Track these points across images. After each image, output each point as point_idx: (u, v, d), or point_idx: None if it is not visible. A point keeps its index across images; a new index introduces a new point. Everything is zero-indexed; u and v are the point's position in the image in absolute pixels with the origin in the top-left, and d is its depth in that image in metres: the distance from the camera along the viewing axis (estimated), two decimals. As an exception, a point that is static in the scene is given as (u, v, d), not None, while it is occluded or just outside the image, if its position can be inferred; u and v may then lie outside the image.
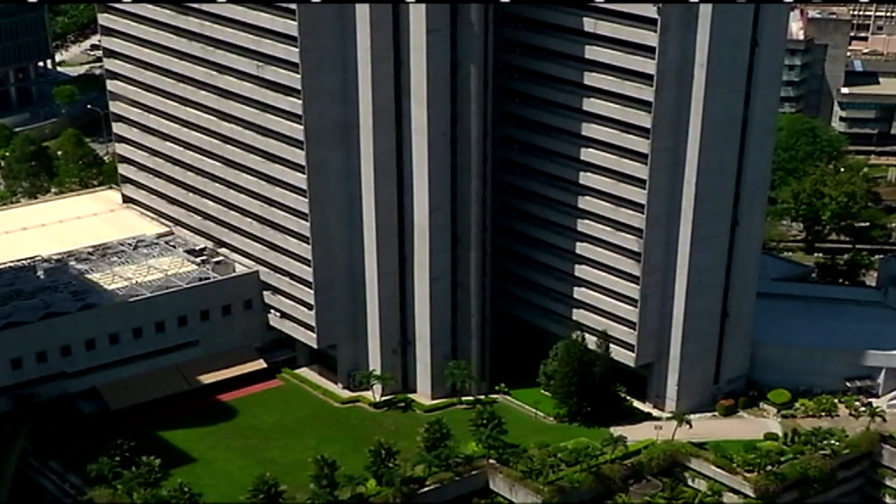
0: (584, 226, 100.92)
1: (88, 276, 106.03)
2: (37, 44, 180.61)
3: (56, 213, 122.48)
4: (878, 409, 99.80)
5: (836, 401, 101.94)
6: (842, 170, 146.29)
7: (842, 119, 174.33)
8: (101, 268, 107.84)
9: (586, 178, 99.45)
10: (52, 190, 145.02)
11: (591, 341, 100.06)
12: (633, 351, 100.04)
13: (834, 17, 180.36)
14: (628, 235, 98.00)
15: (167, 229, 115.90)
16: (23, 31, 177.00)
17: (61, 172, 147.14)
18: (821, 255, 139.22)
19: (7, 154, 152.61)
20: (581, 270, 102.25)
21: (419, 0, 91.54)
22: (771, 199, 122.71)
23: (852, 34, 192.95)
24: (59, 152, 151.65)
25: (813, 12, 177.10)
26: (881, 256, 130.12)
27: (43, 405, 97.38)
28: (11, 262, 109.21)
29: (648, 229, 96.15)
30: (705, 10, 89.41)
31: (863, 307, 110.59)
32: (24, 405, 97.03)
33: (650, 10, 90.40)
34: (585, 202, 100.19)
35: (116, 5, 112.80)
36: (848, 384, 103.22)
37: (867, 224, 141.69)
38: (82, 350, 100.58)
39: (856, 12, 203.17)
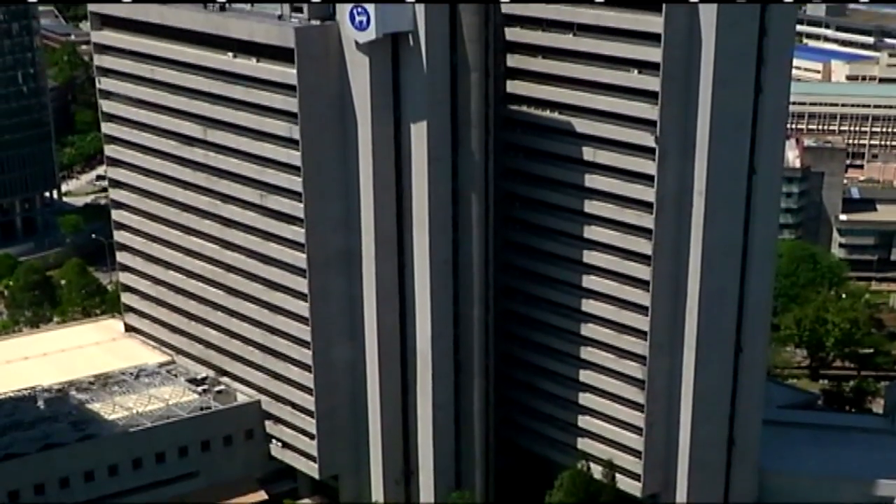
0: (586, 353, 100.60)
1: (89, 406, 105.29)
2: (43, 175, 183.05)
3: (58, 343, 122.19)
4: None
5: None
6: (843, 296, 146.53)
7: (841, 245, 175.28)
8: (102, 397, 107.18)
9: (588, 306, 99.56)
10: (55, 319, 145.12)
11: (597, 471, 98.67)
12: (639, 480, 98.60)
13: (829, 145, 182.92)
14: (631, 363, 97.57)
15: (169, 358, 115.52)
16: (30, 162, 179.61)
17: (64, 302, 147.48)
18: (826, 381, 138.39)
19: (10, 283, 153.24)
20: (585, 398, 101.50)
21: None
22: (774, 325, 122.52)
23: (848, 162, 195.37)
24: (63, 281, 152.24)
25: (808, 141, 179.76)
26: (887, 383, 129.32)
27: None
28: (12, 391, 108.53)
29: (651, 356, 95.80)
30: (702, 140, 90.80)
31: (871, 435, 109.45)
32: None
33: (648, 140, 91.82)
34: (588, 329, 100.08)
35: (123, 139, 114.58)
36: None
37: (871, 350, 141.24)
38: (81, 482, 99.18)
39: (851, 141, 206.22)
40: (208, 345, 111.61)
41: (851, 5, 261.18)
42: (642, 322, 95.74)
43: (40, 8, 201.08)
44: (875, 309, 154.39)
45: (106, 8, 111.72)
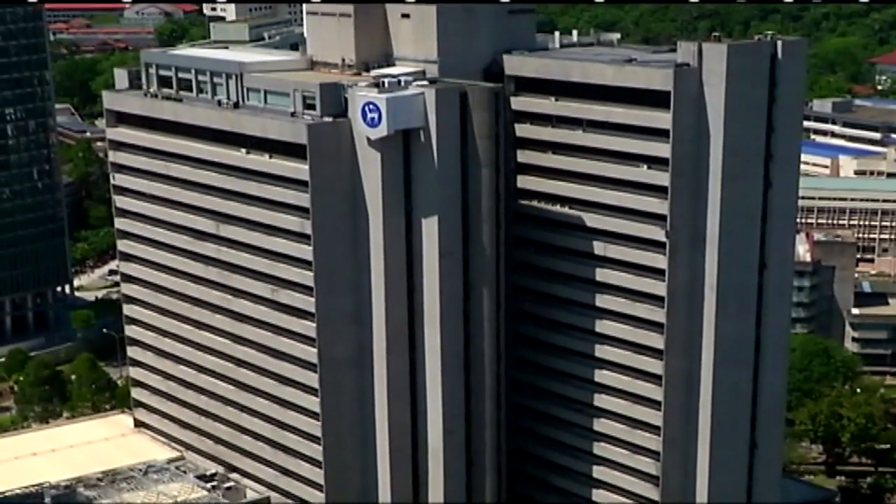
0: (599, 448, 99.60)
1: None
2: (56, 270, 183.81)
3: (67, 438, 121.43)
4: None
5: None
6: (858, 391, 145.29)
7: (854, 340, 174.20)
8: (110, 494, 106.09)
9: (600, 400, 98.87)
10: (65, 414, 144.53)
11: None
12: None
13: (839, 239, 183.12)
14: (645, 458, 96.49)
15: (178, 454, 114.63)
16: (43, 256, 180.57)
17: (74, 397, 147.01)
18: (843, 478, 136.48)
19: (21, 378, 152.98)
20: (598, 494, 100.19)
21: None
22: (788, 420, 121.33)
23: (859, 256, 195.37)
24: (73, 376, 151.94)
25: (818, 235, 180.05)
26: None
27: None
28: (19, 488, 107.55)
29: (665, 452, 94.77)
30: (713, 234, 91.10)
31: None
32: None
33: (658, 234, 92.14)
34: (600, 424, 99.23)
35: (136, 234, 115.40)
36: None
37: (888, 446, 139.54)
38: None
39: (860, 235, 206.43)
40: (218, 440, 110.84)
41: (857, 101, 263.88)
42: (655, 417, 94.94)
43: (57, 106, 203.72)
44: (891, 404, 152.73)
45: (122, 106, 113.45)
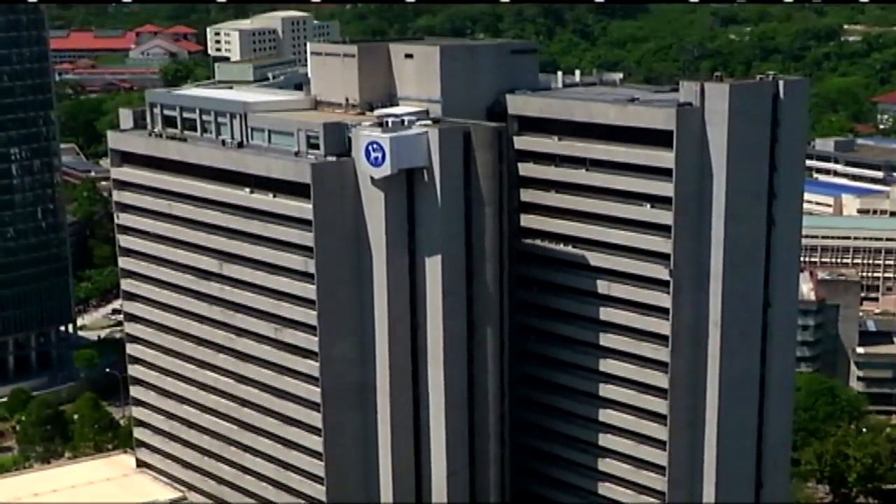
0: (604, 488, 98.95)
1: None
2: (59, 309, 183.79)
3: (68, 479, 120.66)
4: None
5: None
6: (864, 430, 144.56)
7: (859, 379, 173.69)
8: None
9: (605, 440, 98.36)
10: (67, 454, 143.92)
11: None
12: None
13: (843, 278, 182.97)
14: (650, 498, 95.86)
15: (181, 494, 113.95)
16: (47, 296, 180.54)
17: (76, 437, 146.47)
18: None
19: (23, 418, 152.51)
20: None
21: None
22: (794, 460, 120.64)
23: (863, 295, 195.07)
24: (75, 416, 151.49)
25: (822, 274, 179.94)
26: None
27: None
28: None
29: (670, 492, 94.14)
30: (716, 272, 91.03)
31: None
32: None
33: (662, 273, 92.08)
34: (605, 464, 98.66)
35: (139, 273, 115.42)
36: None
37: (895, 486, 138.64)
38: None
39: (864, 274, 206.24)
40: (221, 481, 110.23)
41: (860, 140, 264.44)
42: (660, 457, 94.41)
43: (62, 145, 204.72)
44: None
45: (126, 145, 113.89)
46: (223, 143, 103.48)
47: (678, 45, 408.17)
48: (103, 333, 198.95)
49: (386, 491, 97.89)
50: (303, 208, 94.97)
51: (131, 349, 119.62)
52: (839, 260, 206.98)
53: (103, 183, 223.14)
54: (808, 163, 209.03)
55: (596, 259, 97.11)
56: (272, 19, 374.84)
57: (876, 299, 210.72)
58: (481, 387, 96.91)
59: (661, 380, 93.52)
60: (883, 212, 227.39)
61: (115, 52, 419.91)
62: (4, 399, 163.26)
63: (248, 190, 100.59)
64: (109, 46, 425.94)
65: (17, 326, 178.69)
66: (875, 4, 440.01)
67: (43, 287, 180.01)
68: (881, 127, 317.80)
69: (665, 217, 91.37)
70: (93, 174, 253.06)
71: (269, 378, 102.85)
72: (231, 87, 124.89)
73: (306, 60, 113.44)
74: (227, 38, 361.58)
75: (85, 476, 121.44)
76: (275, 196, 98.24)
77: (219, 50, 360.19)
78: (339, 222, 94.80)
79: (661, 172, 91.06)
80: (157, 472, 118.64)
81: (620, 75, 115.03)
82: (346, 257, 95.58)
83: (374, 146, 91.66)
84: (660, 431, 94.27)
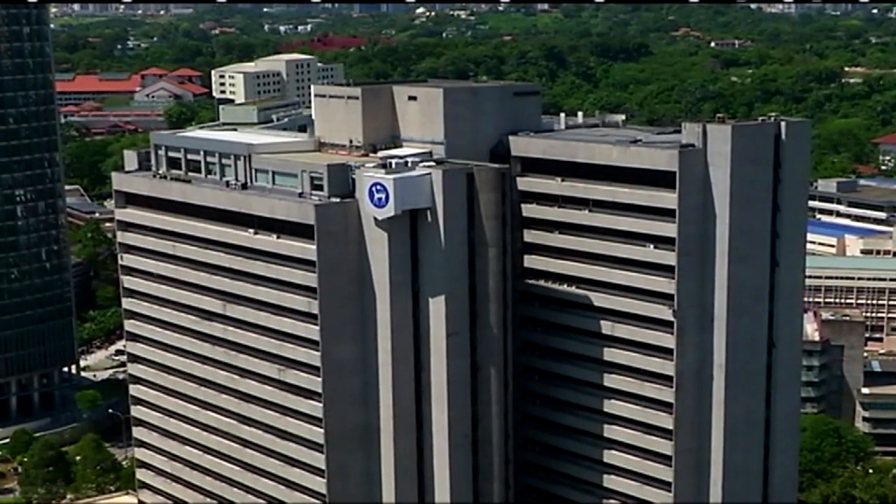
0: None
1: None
2: (63, 350, 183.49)
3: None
4: None
5: None
6: (870, 471, 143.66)
7: (865, 419, 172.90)
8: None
9: (610, 481, 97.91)
10: (69, 496, 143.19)
11: None
12: None
13: (847, 318, 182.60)
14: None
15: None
16: (50, 337, 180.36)
17: (78, 478, 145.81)
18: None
19: (25, 460, 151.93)
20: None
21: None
22: (801, 502, 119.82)
23: (867, 335, 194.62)
24: (78, 457, 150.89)
25: (826, 314, 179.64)
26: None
27: None
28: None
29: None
30: (720, 313, 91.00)
31: None
32: None
33: (666, 314, 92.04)
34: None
35: (143, 314, 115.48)
36: None
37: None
38: None
39: (868, 314, 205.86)
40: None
41: (862, 181, 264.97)
42: (665, 498, 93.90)
43: (67, 187, 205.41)
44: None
45: (131, 187, 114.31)
46: (227, 184, 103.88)
47: (680, 87, 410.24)
48: (106, 374, 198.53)
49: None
50: (306, 249, 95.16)
51: (134, 390, 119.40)
52: (843, 300, 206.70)
53: (107, 224, 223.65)
54: (811, 203, 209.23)
55: (599, 300, 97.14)
56: (276, 62, 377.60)
57: (880, 339, 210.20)
58: (485, 428, 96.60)
59: (665, 420, 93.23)
60: (886, 252, 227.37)
61: (120, 94, 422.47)
62: (7, 440, 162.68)
63: (251, 231, 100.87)
64: (115, 89, 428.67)
65: (21, 367, 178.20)
66: (875, 47, 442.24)
67: (46, 328, 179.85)
68: (883, 168, 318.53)
69: (668, 258, 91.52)
70: (97, 215, 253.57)
71: (272, 419, 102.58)
72: (235, 129, 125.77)
73: (310, 102, 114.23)
74: (231, 80, 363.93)
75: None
76: (278, 237, 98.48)
77: (223, 92, 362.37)
78: (342, 263, 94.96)
79: (664, 213, 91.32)
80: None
81: (623, 117, 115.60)
82: (350, 298, 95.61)
83: (378, 187, 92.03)
84: (665, 472, 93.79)
